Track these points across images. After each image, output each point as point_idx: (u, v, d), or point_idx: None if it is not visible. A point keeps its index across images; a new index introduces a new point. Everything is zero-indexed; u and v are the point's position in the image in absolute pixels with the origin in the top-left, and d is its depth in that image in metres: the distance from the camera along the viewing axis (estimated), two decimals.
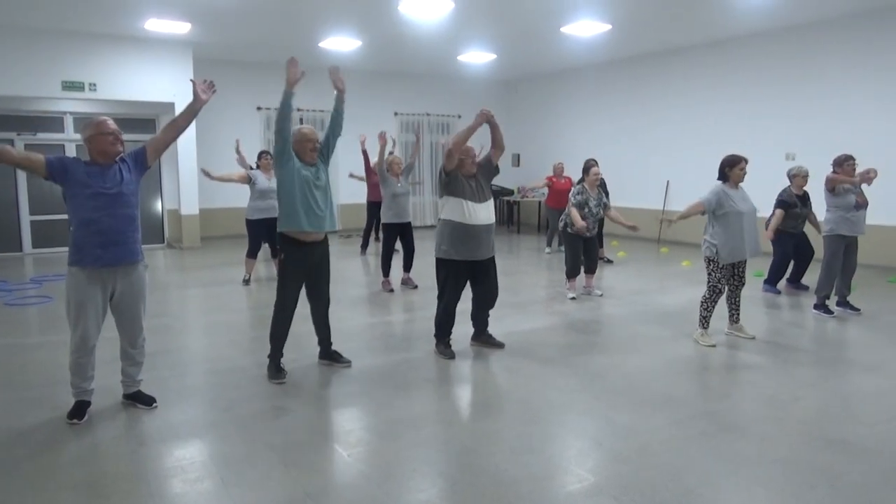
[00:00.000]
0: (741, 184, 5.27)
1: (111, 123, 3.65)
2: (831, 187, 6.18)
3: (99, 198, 3.56)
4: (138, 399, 3.96)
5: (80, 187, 3.55)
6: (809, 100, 9.57)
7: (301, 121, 13.11)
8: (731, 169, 5.22)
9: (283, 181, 4.35)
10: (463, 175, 4.83)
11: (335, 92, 4.54)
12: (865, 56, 8.88)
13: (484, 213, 4.84)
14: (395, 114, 14.15)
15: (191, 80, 3.94)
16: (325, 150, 4.56)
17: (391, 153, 7.82)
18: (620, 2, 8.41)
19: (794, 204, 7.03)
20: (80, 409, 3.75)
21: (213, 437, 3.57)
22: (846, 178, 6.13)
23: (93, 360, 3.77)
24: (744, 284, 5.42)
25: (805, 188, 7.14)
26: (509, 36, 10.47)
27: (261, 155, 8.01)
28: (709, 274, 5.29)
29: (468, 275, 4.97)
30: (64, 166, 3.55)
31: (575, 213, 6.91)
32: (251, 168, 8.03)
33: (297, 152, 4.39)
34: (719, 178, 5.31)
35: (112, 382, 4.05)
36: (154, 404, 3.95)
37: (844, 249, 6.23)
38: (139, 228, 3.79)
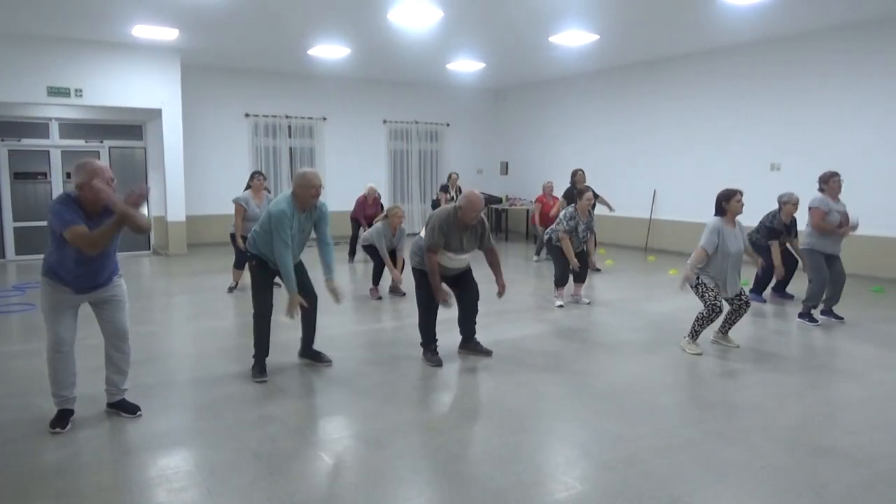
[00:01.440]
0: (739, 216, 5.19)
1: (107, 172, 3.55)
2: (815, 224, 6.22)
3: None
4: (122, 407, 3.92)
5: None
6: (797, 110, 9.66)
7: (290, 128, 13.11)
8: (727, 202, 5.14)
9: (273, 235, 4.40)
10: (459, 227, 4.78)
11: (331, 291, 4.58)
12: (853, 67, 8.98)
13: (462, 261, 4.94)
14: (384, 121, 14.16)
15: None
16: (316, 222, 4.59)
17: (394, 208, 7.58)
18: (608, 12, 8.48)
19: (781, 232, 7.08)
20: (62, 418, 3.70)
21: (198, 445, 3.54)
22: (829, 227, 6.15)
23: (71, 366, 3.73)
24: (749, 306, 5.36)
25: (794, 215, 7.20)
26: (498, 45, 10.53)
27: (253, 176, 7.71)
28: (702, 297, 5.21)
29: (446, 283, 4.98)
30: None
31: (568, 247, 6.90)
32: (238, 202, 7.50)
33: (300, 198, 4.38)
34: (717, 214, 5.19)
35: (96, 391, 4.01)
36: (138, 413, 3.91)
37: (827, 260, 6.28)
38: (116, 249, 3.79)
